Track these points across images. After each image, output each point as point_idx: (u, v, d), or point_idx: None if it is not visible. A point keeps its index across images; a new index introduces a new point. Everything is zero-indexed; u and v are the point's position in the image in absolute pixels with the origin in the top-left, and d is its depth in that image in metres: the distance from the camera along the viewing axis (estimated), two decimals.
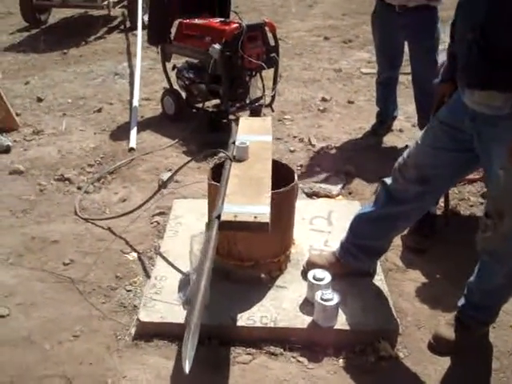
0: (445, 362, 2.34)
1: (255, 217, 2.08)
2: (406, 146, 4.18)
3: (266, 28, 4.27)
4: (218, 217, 2.10)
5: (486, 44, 1.80)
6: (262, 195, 2.25)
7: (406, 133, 4.51)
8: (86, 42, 6.74)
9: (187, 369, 1.53)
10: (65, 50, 6.42)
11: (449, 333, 2.37)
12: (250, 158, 2.56)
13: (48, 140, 4.28)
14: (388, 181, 2.38)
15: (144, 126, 4.53)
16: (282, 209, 2.50)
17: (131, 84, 5.41)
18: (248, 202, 2.18)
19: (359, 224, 2.54)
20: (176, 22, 4.49)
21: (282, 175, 2.61)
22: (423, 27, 3.80)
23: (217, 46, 4.00)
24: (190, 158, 3.95)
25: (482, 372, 2.31)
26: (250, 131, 2.82)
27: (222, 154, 3.87)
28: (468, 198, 3.56)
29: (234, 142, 2.70)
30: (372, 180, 3.77)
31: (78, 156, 4.04)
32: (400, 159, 2.32)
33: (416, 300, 2.68)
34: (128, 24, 7.24)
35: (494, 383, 2.25)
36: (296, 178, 2.62)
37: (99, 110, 4.83)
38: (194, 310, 1.65)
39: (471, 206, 3.51)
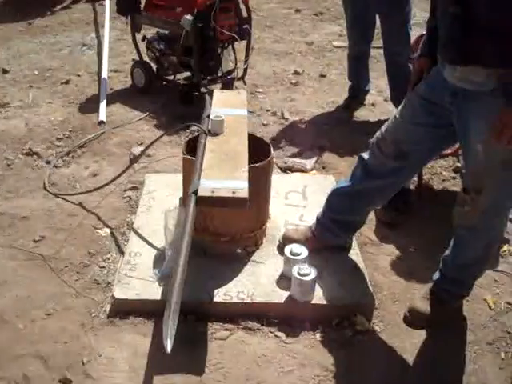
0: (420, 335, 2.36)
1: (233, 192, 2.06)
2: (379, 121, 4.24)
3: None
4: (195, 192, 2.07)
5: (468, 18, 1.78)
6: (239, 170, 2.22)
7: (378, 107, 4.51)
8: (51, 12, 6.50)
9: (169, 348, 1.51)
10: (30, 21, 6.19)
11: (424, 306, 2.39)
12: (226, 132, 2.52)
13: (14, 113, 4.14)
14: (365, 156, 2.37)
15: (113, 98, 4.42)
16: (259, 183, 2.47)
17: (99, 55, 5.25)
18: (225, 177, 2.15)
19: (336, 199, 2.53)
20: None
21: (257, 149, 2.58)
22: (395, 1, 3.77)
23: (188, 17, 3.90)
24: (161, 132, 3.93)
25: (457, 345, 2.34)
26: (224, 105, 2.77)
27: (195, 128, 3.87)
28: (440, 172, 3.58)
29: (208, 116, 2.65)
30: (345, 154, 3.76)
31: (46, 129, 3.92)
32: (378, 134, 2.30)
33: (391, 274, 2.70)
34: None
35: (469, 356, 2.28)
36: (272, 151, 2.59)
37: (67, 82, 4.69)
38: (173, 287, 1.62)
39: (443, 180, 3.54)
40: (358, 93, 4.45)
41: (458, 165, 3.64)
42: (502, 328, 2.43)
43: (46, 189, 3.24)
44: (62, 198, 3.16)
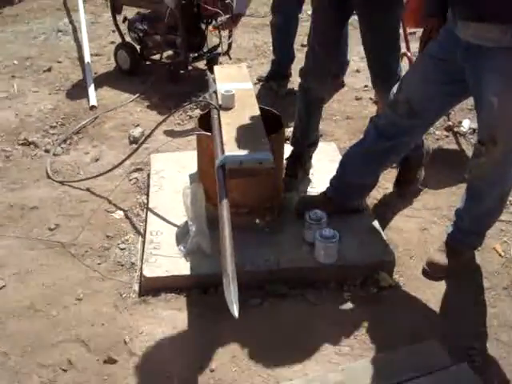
0: (440, 286, 2.47)
1: (260, 163, 2.11)
2: (365, 86, 4.31)
3: None
4: (222, 166, 2.11)
5: None
6: (260, 141, 2.28)
7: (362, 72, 4.55)
8: (19, 0, 6.37)
9: (236, 312, 1.56)
10: None
11: (441, 258, 2.50)
12: (236, 106, 2.55)
13: (2, 104, 4.09)
14: (377, 117, 2.44)
15: (100, 82, 4.39)
16: (275, 153, 2.51)
17: (76, 40, 5.21)
18: (249, 149, 2.20)
19: (349, 162, 2.60)
20: None
21: (265, 120, 2.62)
22: None
23: None
24: (155, 112, 3.96)
25: (476, 292, 2.46)
26: (228, 79, 2.80)
27: (188, 106, 3.89)
28: (433, 132, 3.68)
29: (215, 92, 2.68)
30: (340, 121, 3.85)
31: (38, 118, 3.89)
32: (390, 95, 2.37)
33: (403, 231, 2.80)
34: None
35: (487, 301, 2.41)
36: (283, 122, 2.64)
37: (49, 70, 4.63)
38: (226, 258, 1.68)
39: (437, 139, 3.65)
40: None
41: (450, 123, 3.75)
42: None
43: (49, 177, 3.23)
44: (69, 185, 3.16)
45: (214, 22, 4.19)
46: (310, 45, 2.76)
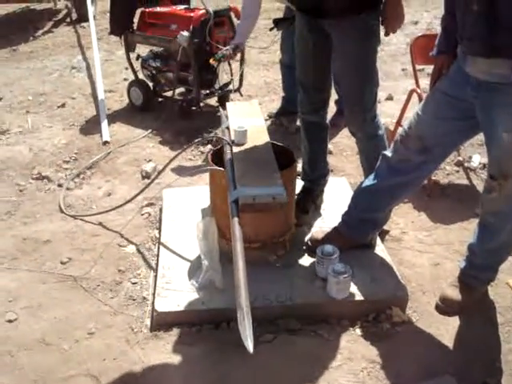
0: (454, 322, 2.45)
1: (273, 198, 2.13)
2: None
3: (231, 13, 4.28)
4: (236, 201, 2.13)
5: (494, 15, 1.88)
6: (273, 176, 2.30)
7: None
8: (34, 38, 6.54)
9: (251, 347, 1.55)
10: (14, 47, 6.22)
11: (455, 294, 2.49)
12: (249, 142, 2.58)
13: (16, 139, 4.16)
14: (388, 153, 2.45)
15: (113, 118, 4.47)
16: (287, 188, 2.52)
17: (90, 77, 5.32)
18: (261, 185, 2.22)
19: (361, 197, 2.61)
20: (138, 11, 4.43)
21: (277, 156, 2.64)
22: None
23: (185, 34, 3.98)
24: (167, 148, 4.01)
25: (490, 327, 2.44)
26: (241, 116, 2.84)
27: (199, 142, 3.93)
28: (444, 167, 3.70)
29: (228, 128, 2.72)
30: (350, 156, 3.88)
31: (52, 153, 3.95)
32: (401, 131, 2.40)
33: (415, 266, 2.80)
34: (74, 16, 7.05)
35: (501, 336, 2.39)
36: (295, 158, 2.67)
37: (63, 105, 4.73)
38: (240, 292, 1.68)
39: (448, 174, 3.66)
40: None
41: (460, 159, 3.77)
42: None
43: (62, 211, 3.26)
44: (81, 219, 3.19)
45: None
46: (298, 80, 2.84)
